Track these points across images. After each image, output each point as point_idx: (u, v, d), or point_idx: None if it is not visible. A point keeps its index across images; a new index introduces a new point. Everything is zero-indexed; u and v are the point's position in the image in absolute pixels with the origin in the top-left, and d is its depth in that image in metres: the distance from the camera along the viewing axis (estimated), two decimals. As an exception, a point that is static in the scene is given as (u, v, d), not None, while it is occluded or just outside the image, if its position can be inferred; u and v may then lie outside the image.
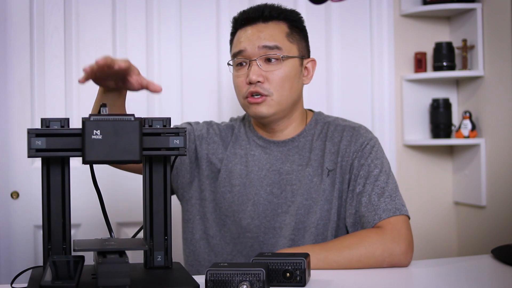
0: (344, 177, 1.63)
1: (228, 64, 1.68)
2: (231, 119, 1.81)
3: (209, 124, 1.77)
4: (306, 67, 1.69)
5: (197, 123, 1.78)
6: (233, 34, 1.70)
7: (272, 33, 1.62)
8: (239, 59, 1.64)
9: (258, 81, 1.60)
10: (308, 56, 1.71)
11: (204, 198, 1.70)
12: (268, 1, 1.71)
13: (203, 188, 1.71)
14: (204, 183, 1.71)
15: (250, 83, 1.61)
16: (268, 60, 1.61)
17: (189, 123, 1.77)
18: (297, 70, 1.65)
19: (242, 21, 1.66)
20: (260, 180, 1.66)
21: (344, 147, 1.64)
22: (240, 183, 1.67)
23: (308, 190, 1.63)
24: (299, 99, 1.69)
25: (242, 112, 1.84)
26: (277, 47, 1.61)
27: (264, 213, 1.65)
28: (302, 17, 1.70)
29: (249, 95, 1.61)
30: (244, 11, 1.68)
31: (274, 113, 1.62)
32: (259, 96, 1.61)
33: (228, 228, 1.67)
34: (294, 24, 1.66)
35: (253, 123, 1.74)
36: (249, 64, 1.62)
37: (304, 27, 1.70)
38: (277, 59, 1.61)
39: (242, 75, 1.63)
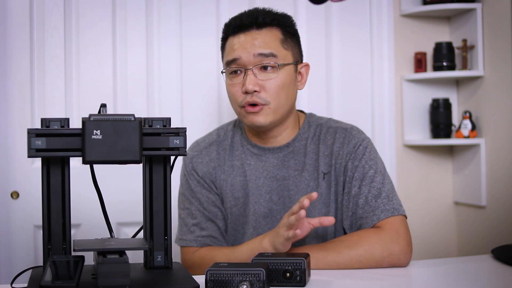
0: (339, 179, 1.62)
1: (222, 72, 1.65)
2: (216, 132, 1.76)
3: (193, 157, 1.72)
4: (300, 72, 1.67)
5: (184, 160, 1.74)
6: (224, 39, 1.66)
7: (266, 41, 1.60)
8: (234, 68, 1.61)
9: (255, 91, 1.57)
10: (301, 61, 1.69)
11: (218, 226, 1.68)
12: (265, 3, 1.70)
13: (218, 215, 1.69)
14: (217, 208, 1.69)
15: (246, 93, 1.58)
16: (263, 68, 1.59)
17: (184, 165, 1.73)
18: (292, 77, 1.63)
19: (235, 27, 1.62)
20: (259, 188, 1.65)
21: (337, 149, 1.63)
22: (242, 195, 1.67)
23: (305, 194, 1.62)
24: (293, 105, 1.68)
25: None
26: (272, 55, 1.58)
27: (265, 220, 1.64)
28: (294, 21, 1.67)
29: (246, 105, 1.59)
30: (236, 17, 1.64)
31: (271, 122, 1.61)
32: (256, 106, 1.59)
33: (239, 242, 1.67)
34: (287, 29, 1.64)
35: (246, 131, 1.72)
36: (245, 73, 1.59)
37: (297, 31, 1.68)
38: (273, 67, 1.59)
39: (237, 84, 1.60)
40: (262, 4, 1.72)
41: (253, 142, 1.69)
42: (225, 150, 1.71)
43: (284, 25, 1.63)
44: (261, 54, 1.58)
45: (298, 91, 1.68)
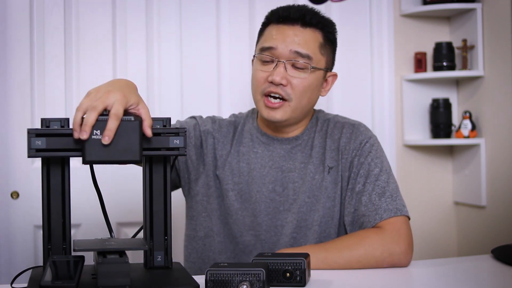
0: (344, 174, 1.62)
1: (254, 56, 1.64)
2: (233, 116, 1.78)
3: (212, 119, 1.75)
4: (326, 80, 1.67)
5: (201, 117, 1.76)
6: (265, 25, 1.66)
7: (307, 41, 1.59)
8: (267, 56, 1.60)
9: (281, 84, 1.58)
10: (331, 70, 1.69)
11: (210, 194, 1.69)
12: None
13: (210, 184, 1.69)
14: (211, 179, 1.69)
15: (272, 83, 1.58)
16: (295, 66, 1.59)
17: (194, 117, 1.76)
18: (319, 82, 1.63)
19: (281, 17, 1.61)
20: (263, 177, 1.65)
21: (343, 144, 1.64)
22: (243, 181, 1.67)
23: (310, 188, 1.62)
24: (312, 108, 1.69)
25: (242, 111, 1.83)
26: (308, 56, 1.58)
27: (266, 211, 1.64)
28: (336, 29, 1.68)
29: (267, 94, 1.59)
30: (284, 7, 1.64)
31: (287, 119, 1.61)
32: (277, 100, 1.59)
33: (230, 226, 1.66)
34: (329, 36, 1.64)
35: (258, 119, 1.72)
36: (276, 64, 1.59)
37: (336, 39, 1.68)
38: (305, 67, 1.59)
39: (266, 72, 1.60)
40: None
41: (263, 131, 1.70)
42: (234, 134, 1.72)
43: (327, 31, 1.64)
44: (297, 52, 1.58)
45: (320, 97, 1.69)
